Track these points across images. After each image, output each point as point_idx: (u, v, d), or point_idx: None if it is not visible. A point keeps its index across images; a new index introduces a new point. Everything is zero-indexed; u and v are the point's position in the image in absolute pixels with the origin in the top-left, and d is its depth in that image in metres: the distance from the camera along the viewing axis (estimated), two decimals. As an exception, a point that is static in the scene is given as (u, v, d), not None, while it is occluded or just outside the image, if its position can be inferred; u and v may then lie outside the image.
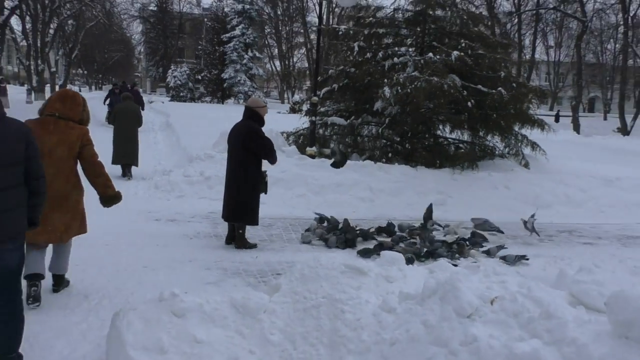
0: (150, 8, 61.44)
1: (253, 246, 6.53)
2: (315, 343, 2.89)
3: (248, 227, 6.64)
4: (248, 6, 41.87)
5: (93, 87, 68.91)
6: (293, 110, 32.57)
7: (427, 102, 9.62)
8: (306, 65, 53.56)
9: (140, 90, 36.46)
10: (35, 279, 4.47)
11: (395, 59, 10.88)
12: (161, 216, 7.87)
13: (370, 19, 11.65)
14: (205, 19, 51.89)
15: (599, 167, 13.02)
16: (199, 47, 50.64)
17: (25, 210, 3.28)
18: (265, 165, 6.61)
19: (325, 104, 12.45)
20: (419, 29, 11.70)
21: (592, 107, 66.73)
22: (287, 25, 54.16)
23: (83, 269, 5.43)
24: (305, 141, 11.29)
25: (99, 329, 4.04)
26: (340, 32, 11.88)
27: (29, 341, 3.71)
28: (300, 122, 12.59)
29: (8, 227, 3.11)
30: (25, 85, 34.33)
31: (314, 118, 10.49)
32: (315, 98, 10.44)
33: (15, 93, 32.73)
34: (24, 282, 4.98)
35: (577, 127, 31.93)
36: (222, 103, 41.40)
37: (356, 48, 11.23)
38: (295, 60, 57.26)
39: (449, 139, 11.56)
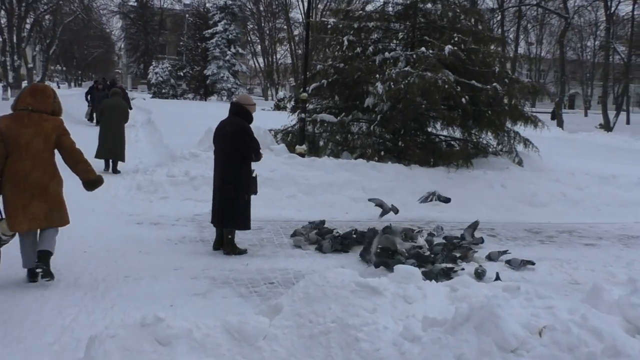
0: (130, 3, 60.35)
1: (243, 252, 6.12)
2: (326, 378, 2.48)
3: (237, 232, 6.22)
4: (230, 2, 41.21)
5: (72, 84, 67.58)
6: (278, 107, 32.10)
7: (420, 98, 9.26)
8: (289, 61, 53.06)
9: (123, 86, 35.66)
10: (35, 274, 4.74)
11: (387, 54, 10.52)
12: (143, 219, 7.41)
13: (360, 12, 11.26)
14: (187, 15, 50.99)
15: (591, 164, 12.81)
16: (181, 43, 49.95)
17: None
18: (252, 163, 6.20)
19: (313, 100, 12.04)
20: (409, 23, 11.34)
21: (573, 103, 67.21)
22: (270, 22, 53.52)
23: (58, 279, 4.99)
24: (294, 139, 10.88)
25: (74, 351, 3.61)
26: (330, 26, 11.46)
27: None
28: (289, 119, 12.17)
29: None
30: (1, 81, 33.35)
31: (303, 115, 10.07)
32: (305, 94, 10.03)
33: (-9, 90, 31.72)
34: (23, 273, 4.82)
35: (560, 123, 31.96)
36: (205, 100, 40.75)
37: (346, 42, 10.84)
38: (278, 57, 56.71)
39: (442, 137, 11.24)
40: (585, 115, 50.50)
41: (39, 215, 4.69)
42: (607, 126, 33.73)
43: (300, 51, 51.08)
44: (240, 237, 6.44)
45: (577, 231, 8.29)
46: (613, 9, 35.43)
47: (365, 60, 10.78)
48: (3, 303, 4.36)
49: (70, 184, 6.46)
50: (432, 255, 6.02)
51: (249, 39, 54.75)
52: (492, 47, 11.30)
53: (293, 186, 8.84)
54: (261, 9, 53.30)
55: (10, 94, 29.40)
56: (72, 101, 25.06)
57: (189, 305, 4.62)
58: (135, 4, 60.27)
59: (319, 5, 43.94)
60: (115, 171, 10.22)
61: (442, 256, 6.10)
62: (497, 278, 5.69)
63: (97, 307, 4.41)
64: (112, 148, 10.22)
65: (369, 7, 11.74)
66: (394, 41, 11.42)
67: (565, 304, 2.53)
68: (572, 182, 9.91)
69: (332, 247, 6.28)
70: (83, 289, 4.80)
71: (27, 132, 4.63)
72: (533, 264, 6.14)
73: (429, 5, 11.39)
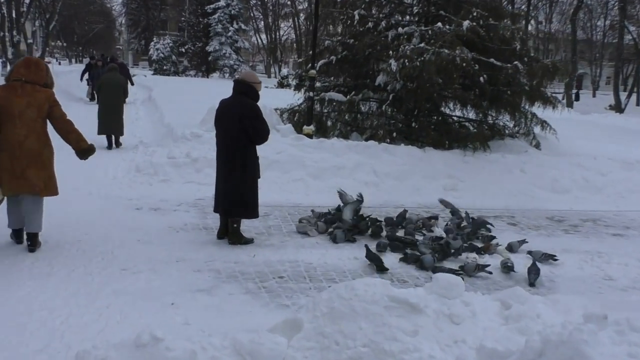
0: (131, -22, 59.26)
1: (249, 241, 5.68)
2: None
3: (243, 219, 5.77)
4: (233, -24, 40.28)
5: (73, 60, 66.71)
6: (281, 84, 31.45)
7: (436, 77, 8.71)
8: (293, 37, 52.14)
9: (124, 62, 34.98)
10: (20, 235, 5.10)
11: (400, 30, 9.93)
12: (143, 204, 6.96)
13: (372, -16, 10.66)
14: (189, -10, 49.94)
15: (610, 147, 12.29)
16: (183, 18, 48.99)
17: None
18: None
19: (320, 78, 11.49)
20: (424, -3, 10.73)
21: (580, 84, 66.24)
22: (274, -4, 52.51)
23: (48, 272, 4.57)
24: (301, 119, 10.36)
25: (63, 360, 3.19)
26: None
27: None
28: (295, 97, 11.64)
29: None
30: (1, 57, 32.68)
31: (311, 94, 9.54)
32: (313, 71, 9.48)
33: (-11, 65, 31.15)
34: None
35: (570, 104, 31.31)
36: (207, 77, 40.07)
37: (357, 17, 10.25)
38: (281, 33, 55.77)
39: (455, 117, 10.70)
40: (594, 95, 49.72)
41: (38, 183, 4.89)
42: (618, 107, 33.07)
43: (304, 27, 50.24)
44: (246, 225, 6.00)
45: (602, 220, 7.83)
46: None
47: (376, 36, 10.20)
48: (-13, 301, 3.95)
49: (66, 167, 6.05)
50: (453, 250, 5.57)
51: (252, 14, 53.76)
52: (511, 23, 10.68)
53: (301, 169, 8.37)
54: (265, -17, 52.29)
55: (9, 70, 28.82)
56: (73, 78, 24.47)
57: (191, 303, 4.20)
58: (136, -22, 59.19)
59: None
60: (118, 145, 10.40)
61: (463, 248, 5.69)
62: (512, 269, 5.29)
63: (90, 306, 3.98)
64: (112, 123, 10.29)
65: (381, -20, 11.11)
66: (408, 16, 10.83)
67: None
68: (594, 167, 9.42)
69: (345, 238, 5.84)
70: (76, 284, 4.37)
71: (21, 102, 4.81)
72: (556, 259, 5.69)
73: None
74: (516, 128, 10.83)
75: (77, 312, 3.89)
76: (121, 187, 7.67)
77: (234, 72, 39.91)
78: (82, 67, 31.45)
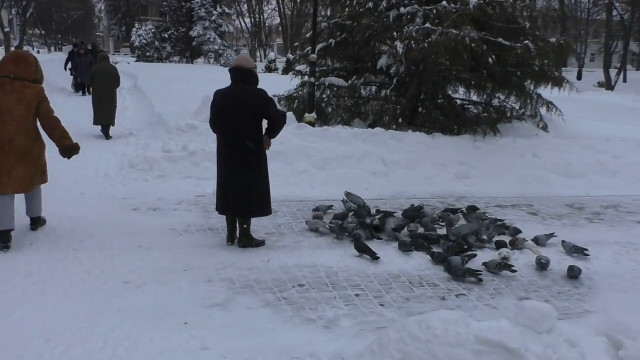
0: (109, -38, 57.68)
1: (260, 243, 5.23)
2: None
3: (253, 219, 5.31)
4: (216, -42, 39.26)
5: (52, 49, 65.04)
6: (269, 69, 30.80)
7: (445, 59, 8.25)
8: (277, 21, 51.24)
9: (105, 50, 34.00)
10: (6, 236, 4.79)
11: (402, 9, 9.43)
12: (140, 204, 6.46)
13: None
14: (170, -27, 48.65)
15: (616, 127, 11.98)
16: (164, 3, 47.75)
17: None
18: None
19: (318, 62, 10.96)
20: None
21: (565, 61, 66.18)
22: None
23: (43, 290, 4.09)
24: (301, 106, 9.86)
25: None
26: (336, -21, 10.32)
27: None
28: (291, 83, 11.13)
29: None
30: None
31: (312, 79, 9.02)
32: (314, 56, 8.94)
33: (-35, 56, 30.03)
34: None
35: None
36: (192, 63, 39.20)
37: (356, -4, 9.73)
38: (265, 17, 54.76)
39: (458, 100, 10.26)
40: (579, 74, 49.54)
41: (25, 179, 4.85)
42: (608, 85, 32.91)
43: (289, 10, 49.33)
44: (255, 225, 5.54)
45: (623, 206, 7.49)
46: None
47: (377, 17, 9.68)
48: (-25, 329, 3.46)
49: (55, 166, 5.54)
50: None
51: (235, -3, 52.64)
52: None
53: (305, 160, 7.90)
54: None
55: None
56: (53, 67, 23.56)
57: (207, 321, 3.74)
58: (115, -38, 57.62)
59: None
60: (108, 137, 10.09)
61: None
62: (546, 267, 4.91)
63: (94, 331, 3.51)
64: (107, 113, 10.15)
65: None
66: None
67: None
68: (608, 150, 9.07)
69: (366, 237, 5.41)
70: (75, 303, 3.90)
71: (10, 99, 4.78)
72: (587, 254, 5.31)
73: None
74: (522, 110, 10.43)
75: (79, 338, 3.42)
76: (115, 185, 7.15)
77: (219, 57, 39.11)
78: (62, 55, 30.43)
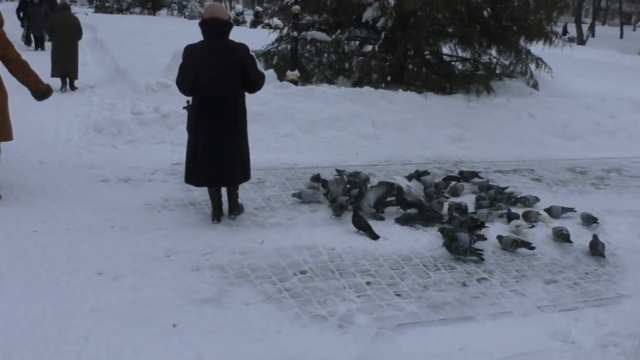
0: None
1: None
2: None
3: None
4: None
5: (2, -2, 61.17)
6: (237, 22, 29.42)
7: (443, 12, 7.61)
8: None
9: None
10: None
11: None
12: (109, 173, 5.75)
13: None
14: None
15: (602, 84, 11.68)
16: (122, -51, 44.93)
17: None
18: None
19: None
20: None
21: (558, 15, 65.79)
22: None
23: (1, 286, 3.43)
24: (281, 62, 9.10)
25: None
26: None
27: None
28: (269, 37, 10.32)
29: None
30: None
31: (295, 33, 8.25)
32: (297, 7, 8.13)
33: None
34: None
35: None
36: (154, 15, 37.27)
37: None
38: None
39: (450, 57, 9.67)
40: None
41: None
42: (580, 39, 32.74)
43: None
44: (241, 199, 4.94)
45: (624, 169, 7.16)
46: None
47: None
48: None
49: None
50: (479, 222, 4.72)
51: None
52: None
53: (290, 122, 7.26)
54: None
55: None
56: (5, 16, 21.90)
57: (198, 323, 3.19)
58: None
59: None
60: (73, 88, 9.81)
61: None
62: (567, 239, 4.52)
63: (63, 341, 2.92)
64: (65, 65, 9.67)
65: None
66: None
67: None
68: (604, 109, 8.69)
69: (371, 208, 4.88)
70: (40, 302, 3.27)
71: None
72: (597, 222, 4.96)
73: None
74: (511, 67, 9.92)
75: (46, 351, 2.82)
76: (79, 151, 6.38)
77: (182, 8, 37.30)
78: (13, 5, 28.30)
